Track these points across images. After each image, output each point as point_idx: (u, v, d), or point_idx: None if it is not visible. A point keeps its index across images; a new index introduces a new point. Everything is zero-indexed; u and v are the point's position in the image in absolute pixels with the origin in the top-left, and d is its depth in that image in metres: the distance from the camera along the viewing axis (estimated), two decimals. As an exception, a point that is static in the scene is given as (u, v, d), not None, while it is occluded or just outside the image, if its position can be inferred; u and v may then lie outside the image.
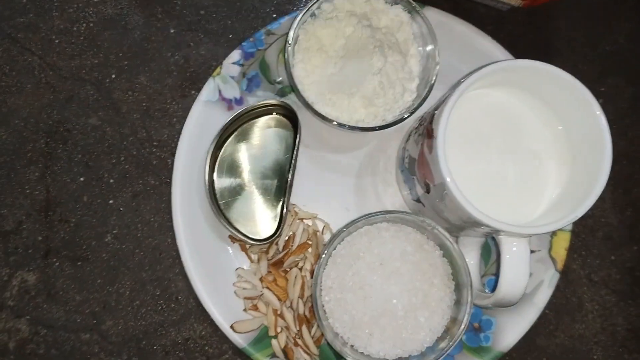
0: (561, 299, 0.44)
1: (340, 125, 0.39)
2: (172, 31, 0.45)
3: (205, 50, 0.45)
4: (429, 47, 0.41)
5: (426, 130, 0.37)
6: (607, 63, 0.47)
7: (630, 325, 0.44)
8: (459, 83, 0.35)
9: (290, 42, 0.40)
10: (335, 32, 0.41)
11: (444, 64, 0.41)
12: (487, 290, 0.41)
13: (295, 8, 0.46)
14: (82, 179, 0.43)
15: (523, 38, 0.46)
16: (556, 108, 0.36)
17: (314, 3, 0.41)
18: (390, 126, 0.40)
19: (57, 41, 0.44)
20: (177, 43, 0.45)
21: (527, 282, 0.34)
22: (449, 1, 0.45)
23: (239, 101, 0.44)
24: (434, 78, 0.40)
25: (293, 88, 0.40)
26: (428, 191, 0.37)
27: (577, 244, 0.44)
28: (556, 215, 0.34)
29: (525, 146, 0.37)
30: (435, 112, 0.36)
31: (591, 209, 0.43)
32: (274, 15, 0.46)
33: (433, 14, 0.44)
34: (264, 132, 0.43)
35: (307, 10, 0.41)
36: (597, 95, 0.46)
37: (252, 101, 0.44)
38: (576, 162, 0.35)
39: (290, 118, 0.43)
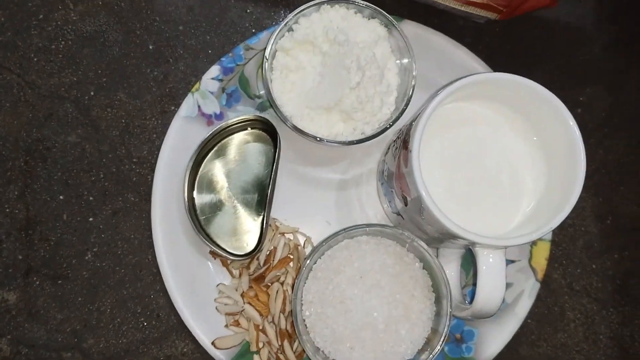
0: (543, 309, 0.44)
1: (319, 139, 0.40)
2: (150, 47, 0.45)
3: (185, 65, 0.45)
4: (406, 61, 0.42)
5: (402, 143, 0.37)
6: (585, 73, 0.47)
7: (612, 333, 0.44)
8: (434, 96, 0.35)
9: (267, 57, 0.41)
10: (312, 48, 0.41)
11: (422, 76, 0.41)
12: (467, 301, 0.41)
13: (273, 23, 0.46)
14: (61, 197, 0.43)
15: (501, 49, 0.47)
16: (532, 120, 0.37)
17: (291, 18, 0.41)
18: (368, 140, 0.40)
19: (35, 59, 0.44)
20: (156, 59, 0.45)
21: (505, 293, 0.34)
22: (426, 14, 0.46)
23: (219, 116, 0.44)
24: (411, 91, 0.40)
25: (271, 103, 0.41)
26: (406, 204, 0.37)
27: (558, 253, 0.44)
28: (532, 227, 0.34)
29: (501, 158, 0.37)
30: (412, 123, 0.36)
31: (571, 218, 0.44)
32: (253, 30, 0.46)
33: (410, 27, 0.44)
34: (244, 146, 0.43)
35: (283, 26, 0.41)
36: (575, 104, 0.47)
37: (232, 116, 0.44)
38: (551, 174, 0.36)
39: (270, 132, 0.43)
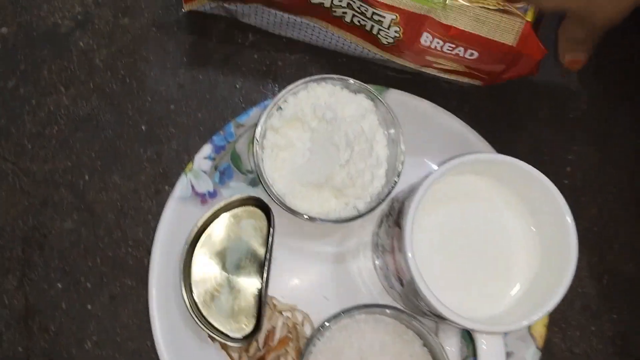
0: (546, 373, 0.44)
1: (312, 218, 0.40)
2: (143, 127, 0.46)
3: (177, 144, 0.45)
4: (393, 132, 0.42)
5: (395, 222, 0.37)
6: (573, 130, 0.48)
7: (616, 393, 0.44)
8: (425, 177, 0.35)
9: (257, 138, 0.41)
10: (301, 125, 0.42)
11: (411, 142, 0.42)
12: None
13: (262, 97, 0.47)
14: (59, 284, 0.43)
15: (487, 111, 0.47)
16: (525, 198, 0.37)
17: (279, 97, 0.41)
18: (361, 217, 0.41)
19: (29, 146, 0.45)
20: (148, 139, 0.45)
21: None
22: (412, 80, 0.46)
23: (213, 194, 0.44)
24: (400, 166, 0.41)
25: (263, 183, 0.41)
26: (402, 285, 0.37)
27: (556, 317, 0.44)
28: (527, 307, 0.34)
29: (495, 235, 0.37)
30: (404, 203, 0.36)
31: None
32: (243, 105, 0.46)
33: (396, 95, 0.45)
34: (239, 224, 0.43)
35: (273, 105, 0.41)
36: (564, 163, 0.47)
37: (225, 193, 0.44)
38: (544, 253, 0.36)
39: (264, 208, 0.43)
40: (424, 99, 0.45)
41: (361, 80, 0.47)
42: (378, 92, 0.44)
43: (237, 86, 0.47)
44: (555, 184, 0.46)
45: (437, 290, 0.33)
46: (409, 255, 0.33)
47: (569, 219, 0.34)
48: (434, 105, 0.45)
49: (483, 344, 0.34)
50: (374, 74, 0.47)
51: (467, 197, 0.38)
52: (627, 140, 0.48)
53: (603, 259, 0.46)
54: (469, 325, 0.33)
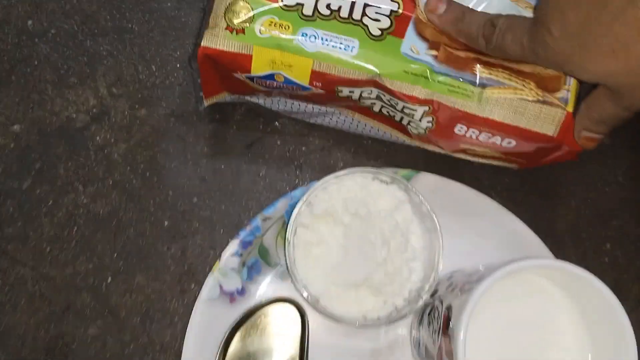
0: None
1: (350, 323, 0.39)
2: (166, 223, 0.44)
3: (202, 239, 0.44)
4: (429, 224, 0.40)
5: (442, 326, 0.36)
6: (610, 204, 0.46)
7: None
8: (469, 293, 0.34)
9: (289, 239, 0.40)
10: (333, 220, 0.40)
11: (446, 227, 0.40)
12: None
13: (287, 184, 0.45)
14: (86, 396, 0.41)
15: (521, 189, 0.46)
16: (575, 297, 0.36)
17: (310, 193, 0.40)
18: (402, 317, 0.39)
19: (48, 249, 0.43)
20: (172, 235, 0.44)
21: None
22: (443, 156, 0.45)
23: (241, 292, 0.43)
24: (439, 263, 0.39)
25: (296, 286, 0.39)
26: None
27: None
28: None
29: (545, 335, 0.36)
30: (451, 312, 0.35)
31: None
32: (268, 195, 0.45)
33: (429, 179, 0.44)
34: (271, 323, 0.42)
35: (303, 202, 0.40)
36: (604, 239, 0.46)
37: (253, 289, 0.43)
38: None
39: (296, 304, 0.42)
40: (456, 182, 0.44)
41: (389, 163, 0.46)
42: (407, 177, 0.43)
43: (261, 175, 0.45)
44: (596, 262, 0.45)
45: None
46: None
47: (628, 328, 0.32)
48: (465, 186, 0.44)
49: None
50: (402, 156, 0.46)
51: (516, 298, 0.37)
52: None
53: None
54: None
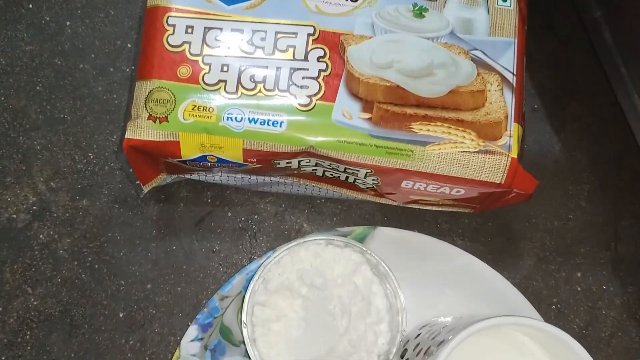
0: None
1: (318, 400, 0.38)
2: (121, 315, 0.44)
3: (160, 326, 0.44)
4: (389, 286, 0.40)
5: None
6: (576, 231, 0.46)
7: None
8: (440, 346, 0.33)
9: (245, 319, 0.39)
10: (290, 294, 0.40)
11: (408, 280, 0.41)
12: None
13: (242, 257, 0.45)
14: None
15: (482, 230, 0.46)
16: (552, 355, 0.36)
17: (262, 269, 0.40)
18: (371, 387, 0.39)
19: (3, 358, 0.43)
20: (129, 326, 0.43)
21: None
22: (399, 209, 0.45)
23: (208, 377, 0.42)
24: (403, 324, 0.39)
25: (259, 369, 0.39)
26: None
27: None
28: None
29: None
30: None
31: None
32: (223, 270, 0.45)
33: (387, 233, 0.44)
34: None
35: (256, 280, 0.40)
36: (575, 268, 0.46)
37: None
38: None
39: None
40: (415, 232, 0.44)
41: (345, 220, 0.46)
42: (364, 234, 0.43)
43: (215, 250, 0.45)
44: (569, 293, 0.45)
45: None
46: None
47: None
48: (427, 237, 0.44)
49: None
50: (357, 211, 0.46)
51: (487, 352, 0.36)
52: (637, 233, 0.47)
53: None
54: None
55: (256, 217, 0.46)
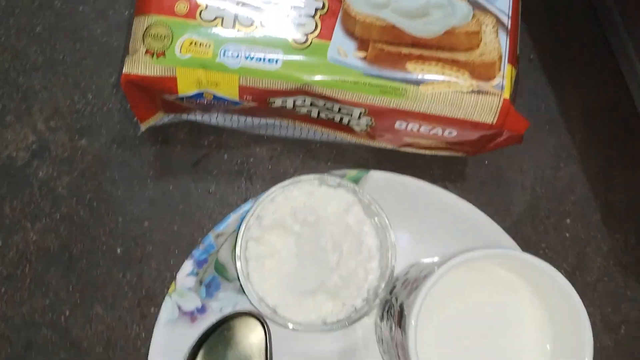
0: None
1: (307, 329, 0.40)
2: (119, 251, 0.45)
3: (157, 262, 0.45)
4: (379, 221, 0.41)
5: (397, 324, 0.37)
6: (567, 180, 0.47)
7: None
8: (423, 281, 0.35)
9: (239, 254, 0.40)
10: (284, 231, 0.41)
11: (403, 222, 0.42)
12: None
13: (238, 198, 0.46)
14: None
15: (474, 177, 0.47)
16: (535, 286, 0.37)
17: (257, 206, 0.41)
18: (361, 317, 0.40)
19: (3, 289, 0.44)
20: (126, 262, 0.45)
21: None
22: (392, 152, 0.46)
23: (202, 310, 0.44)
24: (393, 260, 0.40)
25: (251, 300, 0.40)
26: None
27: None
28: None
29: (503, 325, 0.37)
30: (404, 304, 0.36)
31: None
32: (219, 210, 0.46)
33: (380, 177, 0.45)
34: (235, 337, 0.43)
35: (251, 216, 0.41)
36: (564, 215, 0.47)
37: (214, 306, 0.44)
38: (556, 345, 0.36)
39: (258, 316, 0.43)
40: (406, 175, 0.45)
41: (339, 164, 0.47)
42: (358, 177, 0.44)
43: (211, 191, 0.46)
44: (557, 239, 0.46)
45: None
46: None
47: (584, 317, 0.33)
48: (417, 180, 0.45)
49: None
50: (351, 156, 0.47)
51: (472, 289, 0.38)
52: (627, 181, 0.48)
53: (617, 308, 0.46)
54: None
55: (252, 160, 0.47)
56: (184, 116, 0.44)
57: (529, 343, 0.37)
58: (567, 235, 0.47)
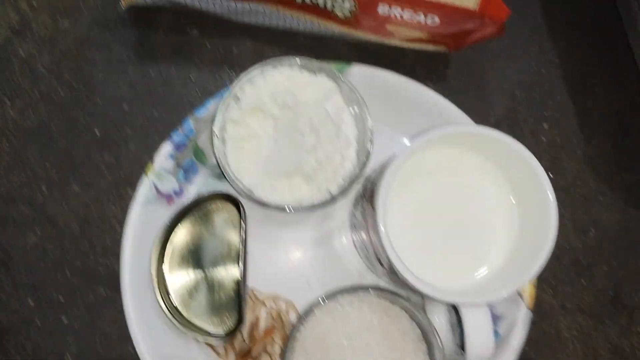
0: (539, 333, 0.45)
1: (283, 209, 0.40)
2: (97, 132, 0.45)
3: (135, 145, 0.45)
4: (358, 110, 0.42)
5: (368, 201, 0.37)
6: (547, 85, 0.48)
7: (611, 345, 0.45)
8: (393, 158, 0.35)
9: (217, 133, 0.41)
10: (262, 114, 0.42)
11: (382, 117, 0.43)
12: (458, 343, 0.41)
13: (219, 86, 0.46)
14: (31, 302, 0.43)
15: (456, 77, 0.48)
16: (502, 167, 0.38)
17: (235, 87, 0.41)
18: (336, 201, 0.41)
19: (-19, 155, 0.45)
20: (104, 144, 0.45)
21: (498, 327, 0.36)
22: (376, 53, 0.46)
23: (179, 193, 0.44)
24: (369, 145, 0.41)
25: (229, 179, 0.41)
26: (381, 264, 0.38)
27: (546, 275, 0.45)
28: (504, 279, 0.35)
29: (473, 206, 0.38)
30: (375, 182, 0.36)
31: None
32: (200, 97, 0.46)
33: (360, 70, 0.45)
34: (210, 220, 0.44)
35: (229, 97, 0.41)
36: (541, 119, 0.47)
37: (192, 190, 0.45)
38: (524, 227, 0.37)
39: (234, 200, 0.43)
40: (389, 71, 0.45)
41: (322, 58, 0.47)
42: (340, 69, 0.44)
43: (192, 78, 0.47)
44: (534, 143, 0.47)
45: (416, 266, 0.34)
46: (382, 234, 0.34)
47: (550, 194, 0.35)
48: (400, 76, 0.45)
49: (468, 315, 0.35)
50: (335, 50, 0.48)
51: (442, 170, 0.39)
52: (606, 90, 0.48)
53: (588, 212, 0.47)
54: (449, 299, 0.34)
55: (235, 50, 0.47)
56: (168, -4, 0.44)
57: (494, 204, 0.38)
58: (544, 139, 0.48)
